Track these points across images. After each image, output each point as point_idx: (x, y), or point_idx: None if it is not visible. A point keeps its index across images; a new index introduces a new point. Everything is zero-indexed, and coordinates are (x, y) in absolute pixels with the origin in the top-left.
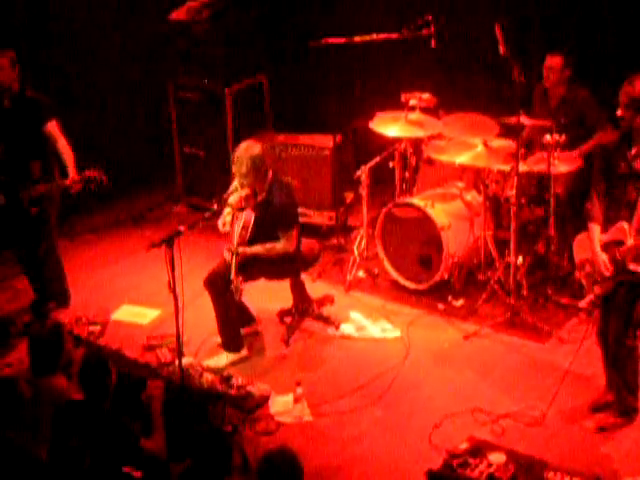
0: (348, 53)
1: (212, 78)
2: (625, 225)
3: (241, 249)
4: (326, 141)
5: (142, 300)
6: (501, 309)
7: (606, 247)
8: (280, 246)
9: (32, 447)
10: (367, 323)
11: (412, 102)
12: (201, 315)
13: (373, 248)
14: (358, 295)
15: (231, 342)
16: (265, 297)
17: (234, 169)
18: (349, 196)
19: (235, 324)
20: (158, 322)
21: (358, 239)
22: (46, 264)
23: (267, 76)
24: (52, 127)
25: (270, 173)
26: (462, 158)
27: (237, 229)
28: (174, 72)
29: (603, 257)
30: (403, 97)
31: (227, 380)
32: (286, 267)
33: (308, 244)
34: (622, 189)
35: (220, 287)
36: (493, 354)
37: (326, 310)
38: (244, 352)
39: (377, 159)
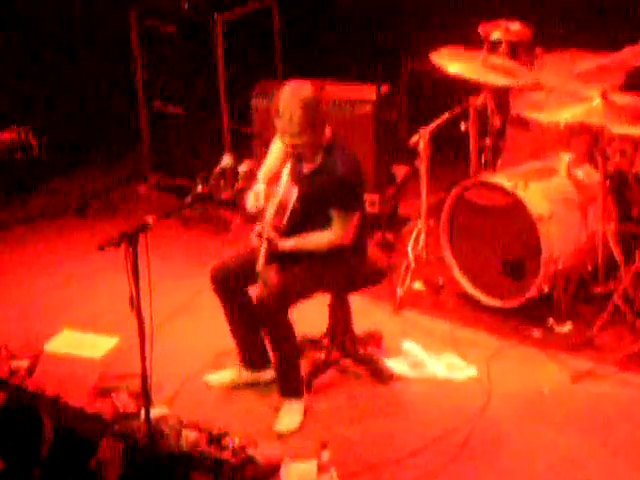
0: None
1: (196, 1)
2: None
3: (274, 237)
4: (366, 93)
5: (91, 323)
6: (628, 338)
7: None
8: (329, 235)
9: None
10: (427, 357)
11: (495, 36)
12: (179, 344)
13: (436, 249)
14: (414, 316)
15: (292, 386)
16: None
17: (279, 125)
18: (401, 172)
19: (297, 357)
20: (115, 355)
21: (414, 235)
22: None
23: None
24: None
25: (329, 129)
26: (570, 117)
27: (271, 208)
28: None
29: None
30: (482, 29)
31: (218, 440)
32: (340, 272)
33: (371, 253)
34: None
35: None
36: (616, 405)
37: (371, 352)
38: (305, 399)
39: (443, 119)
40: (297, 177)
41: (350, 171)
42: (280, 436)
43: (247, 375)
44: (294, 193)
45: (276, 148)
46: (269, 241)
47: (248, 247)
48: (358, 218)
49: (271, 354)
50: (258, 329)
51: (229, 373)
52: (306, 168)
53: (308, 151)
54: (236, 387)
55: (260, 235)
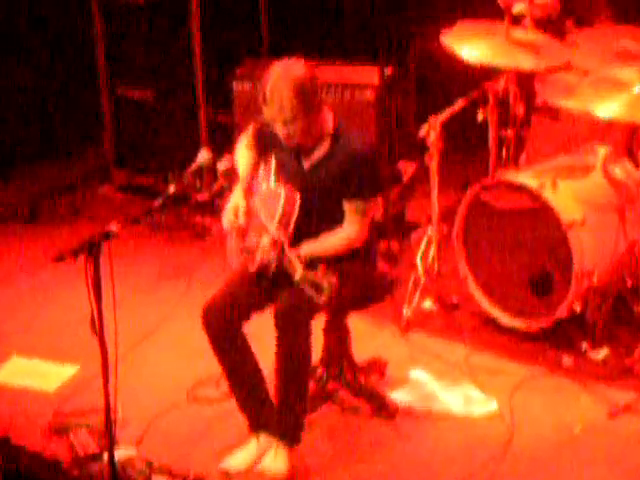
0: None
1: None
2: None
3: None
4: (368, 75)
5: (45, 349)
6: None
7: None
8: (350, 231)
9: None
10: (439, 389)
11: (518, 8)
12: (148, 374)
13: (450, 260)
14: (423, 340)
15: (292, 428)
16: (264, 341)
17: (269, 111)
18: (408, 170)
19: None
20: (73, 386)
21: (423, 244)
22: None
23: None
24: None
25: (330, 113)
26: (607, 107)
27: (266, 219)
28: None
29: None
30: (502, 0)
31: None
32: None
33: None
34: None
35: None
36: None
37: (374, 383)
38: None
39: (457, 107)
40: (295, 176)
41: (364, 153)
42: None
43: (267, 441)
44: (296, 197)
45: (245, 150)
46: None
47: (238, 272)
48: (374, 209)
49: (279, 378)
50: (263, 377)
51: (251, 448)
52: (308, 162)
53: (308, 140)
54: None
55: (276, 244)
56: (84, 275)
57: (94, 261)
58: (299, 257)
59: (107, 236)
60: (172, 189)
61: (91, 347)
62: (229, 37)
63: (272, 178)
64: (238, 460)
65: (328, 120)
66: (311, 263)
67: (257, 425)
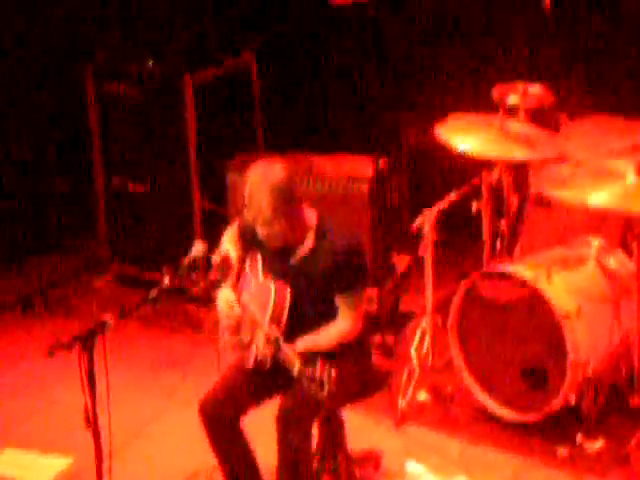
0: (394, 16)
1: (162, 58)
2: None
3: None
4: (362, 167)
5: (39, 442)
6: None
7: None
8: (344, 325)
9: None
10: None
11: (512, 100)
12: (143, 467)
13: (445, 352)
14: (418, 433)
15: None
16: (260, 438)
17: (248, 213)
18: (402, 262)
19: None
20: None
21: (418, 336)
22: None
23: (257, 55)
24: None
25: (307, 206)
26: (600, 197)
27: (258, 313)
28: (96, 48)
29: None
30: (496, 92)
31: None
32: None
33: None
34: None
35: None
36: None
37: (369, 476)
38: None
39: (451, 199)
40: (282, 272)
41: (349, 246)
42: None
43: None
44: (287, 292)
45: (230, 245)
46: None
47: (233, 366)
48: (363, 299)
49: (280, 476)
50: (259, 472)
51: None
52: (294, 258)
53: (290, 239)
54: None
55: (271, 340)
56: (78, 367)
57: (88, 353)
58: (295, 352)
59: (101, 328)
60: (166, 281)
61: (85, 440)
62: (223, 130)
63: (260, 273)
64: None
65: (311, 217)
66: (309, 358)
67: None
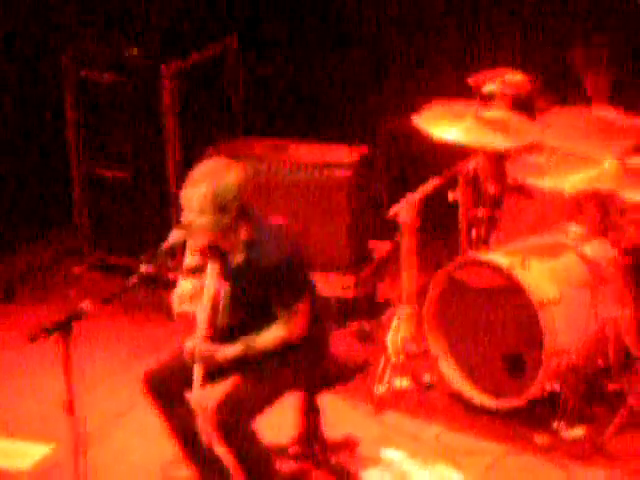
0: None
1: (140, 45)
2: None
3: (209, 351)
4: (340, 154)
5: (17, 429)
6: None
7: None
8: (279, 333)
9: None
10: (413, 469)
11: (489, 88)
12: (120, 453)
13: (422, 339)
14: (396, 419)
15: None
16: None
17: (182, 200)
18: (380, 249)
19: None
20: (46, 466)
21: (395, 324)
22: None
23: (239, 41)
24: None
25: (247, 227)
26: (577, 183)
27: (202, 314)
28: (73, 36)
29: None
30: (473, 81)
31: None
32: (302, 365)
33: (342, 345)
34: None
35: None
36: None
37: (346, 462)
38: None
39: (428, 187)
40: (225, 271)
41: (278, 260)
42: None
43: None
44: (225, 291)
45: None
46: (205, 359)
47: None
48: (306, 301)
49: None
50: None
51: None
52: (232, 264)
53: (223, 243)
54: None
55: (192, 355)
56: (57, 355)
57: (66, 340)
58: (213, 365)
59: (79, 315)
60: (145, 268)
61: (64, 427)
62: (203, 116)
63: (211, 270)
64: None
65: (243, 231)
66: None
67: None
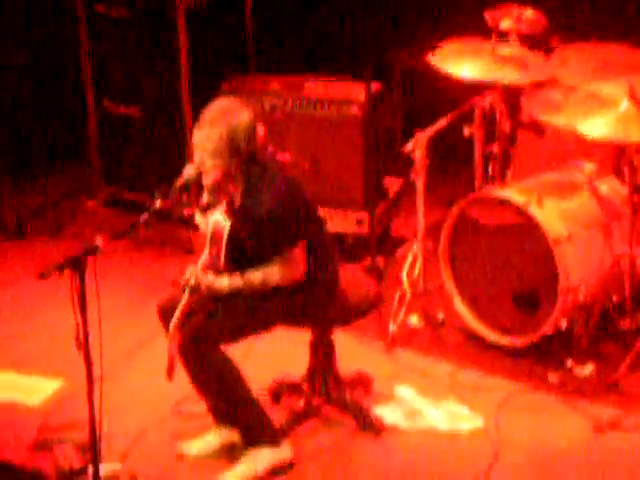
0: None
1: None
2: None
3: (205, 279)
4: (354, 90)
5: (29, 363)
6: None
7: None
8: (275, 274)
9: None
10: (424, 405)
11: (505, 25)
12: (133, 389)
13: (435, 276)
14: (409, 357)
15: (254, 431)
16: (252, 357)
17: (195, 138)
18: (394, 185)
19: (245, 396)
20: (58, 401)
21: (409, 260)
22: None
23: None
24: None
25: (254, 164)
26: (593, 124)
27: (208, 243)
28: None
29: None
30: (489, 17)
31: None
32: (303, 304)
33: (359, 282)
34: None
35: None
36: None
37: (359, 398)
38: (284, 449)
39: (442, 123)
40: (230, 209)
41: (268, 210)
42: None
43: (226, 433)
44: (226, 227)
45: None
46: (193, 289)
47: None
48: (299, 247)
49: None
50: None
51: (210, 438)
52: (235, 203)
53: (230, 185)
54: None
55: (187, 282)
56: (69, 290)
57: (79, 276)
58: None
59: (92, 251)
60: (158, 204)
61: (76, 362)
62: (216, 53)
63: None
64: (201, 445)
65: (246, 175)
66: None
67: (220, 417)
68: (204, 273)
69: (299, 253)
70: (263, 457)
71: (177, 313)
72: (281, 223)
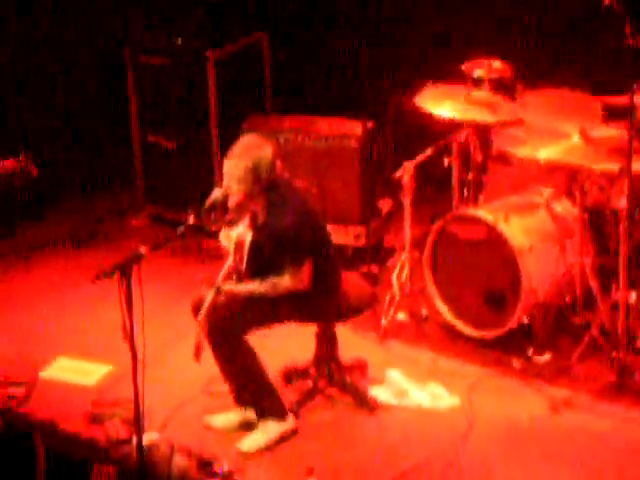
0: (385, 2)
1: (189, 37)
2: None
3: (227, 285)
4: (353, 127)
5: (86, 351)
6: (605, 368)
7: None
8: (286, 282)
9: None
10: (411, 387)
11: (478, 74)
12: (170, 372)
13: (420, 280)
14: (398, 347)
15: (266, 406)
16: (268, 347)
17: (225, 166)
18: (385, 205)
19: (261, 376)
20: (108, 382)
21: (398, 267)
22: None
23: (269, 36)
24: None
25: (274, 189)
26: (549, 154)
27: (232, 252)
28: (134, 29)
29: None
30: (465, 67)
31: (206, 466)
32: (310, 306)
33: (357, 285)
34: None
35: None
36: (594, 434)
37: (356, 381)
38: (290, 421)
39: (426, 154)
40: (253, 224)
41: (287, 228)
42: (243, 455)
43: (244, 412)
44: (248, 237)
45: None
46: (218, 290)
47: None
48: (310, 265)
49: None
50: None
51: (232, 415)
52: (258, 219)
53: (251, 204)
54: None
55: (211, 285)
56: (117, 291)
57: (126, 279)
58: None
59: (137, 258)
60: (191, 220)
61: (123, 349)
62: (239, 95)
63: (246, 219)
64: (223, 420)
65: (268, 197)
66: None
67: (241, 400)
68: (227, 280)
69: (307, 266)
70: (273, 428)
71: (204, 307)
72: (296, 238)
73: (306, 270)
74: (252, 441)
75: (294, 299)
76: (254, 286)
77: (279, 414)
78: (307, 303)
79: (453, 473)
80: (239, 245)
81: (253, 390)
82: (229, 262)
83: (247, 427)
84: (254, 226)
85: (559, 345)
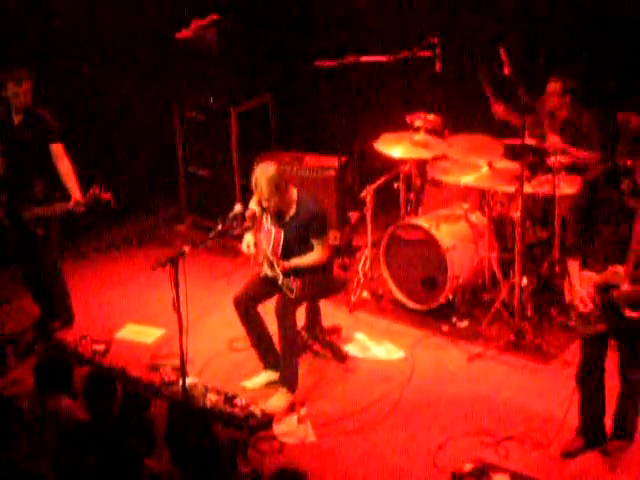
0: (354, 74)
1: (218, 97)
2: (620, 269)
3: (277, 260)
4: (331, 161)
5: (146, 319)
6: (505, 331)
7: (600, 289)
8: (316, 255)
9: (33, 466)
10: (371, 344)
11: (417, 123)
12: (205, 334)
13: (377, 269)
14: (362, 316)
15: (291, 377)
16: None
17: (256, 193)
18: (354, 216)
19: (297, 351)
20: (162, 341)
21: (362, 260)
22: (49, 284)
23: (273, 96)
24: (57, 148)
25: (292, 187)
26: (467, 179)
27: (266, 247)
28: (180, 91)
29: (583, 293)
30: (408, 118)
31: (230, 400)
32: (326, 281)
33: (336, 272)
34: (613, 227)
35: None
36: (497, 376)
37: (334, 340)
38: (294, 394)
39: (382, 180)
40: (280, 224)
41: (318, 208)
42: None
43: (273, 375)
44: (282, 236)
45: (254, 205)
46: (270, 263)
47: (255, 275)
48: (328, 237)
49: (280, 346)
50: (270, 337)
51: (261, 377)
52: (286, 217)
53: (282, 207)
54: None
55: (271, 262)
56: (168, 277)
57: (174, 269)
58: (283, 269)
59: (182, 254)
60: (219, 227)
61: (172, 319)
62: (253, 137)
63: (269, 224)
64: (253, 382)
65: (293, 193)
66: (287, 273)
67: (269, 364)
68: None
69: (327, 241)
70: (287, 398)
71: (281, 276)
72: (322, 218)
73: (327, 244)
74: (274, 401)
75: (319, 275)
76: (296, 261)
77: (293, 388)
78: (326, 281)
79: (401, 404)
80: (276, 241)
81: (286, 360)
82: (268, 251)
83: (271, 387)
84: (282, 220)
85: (474, 314)
